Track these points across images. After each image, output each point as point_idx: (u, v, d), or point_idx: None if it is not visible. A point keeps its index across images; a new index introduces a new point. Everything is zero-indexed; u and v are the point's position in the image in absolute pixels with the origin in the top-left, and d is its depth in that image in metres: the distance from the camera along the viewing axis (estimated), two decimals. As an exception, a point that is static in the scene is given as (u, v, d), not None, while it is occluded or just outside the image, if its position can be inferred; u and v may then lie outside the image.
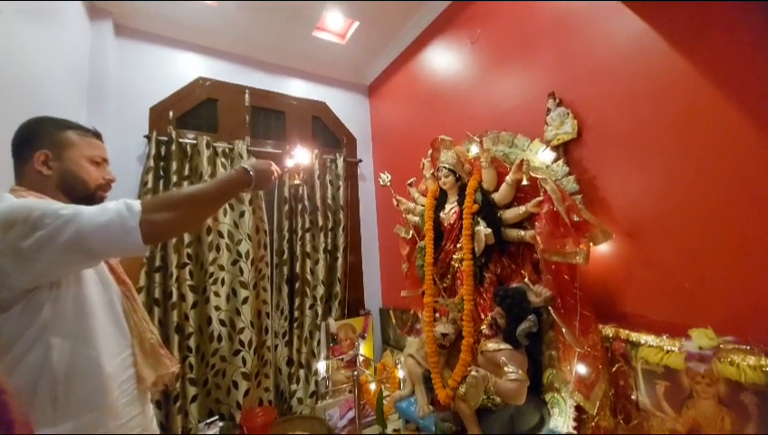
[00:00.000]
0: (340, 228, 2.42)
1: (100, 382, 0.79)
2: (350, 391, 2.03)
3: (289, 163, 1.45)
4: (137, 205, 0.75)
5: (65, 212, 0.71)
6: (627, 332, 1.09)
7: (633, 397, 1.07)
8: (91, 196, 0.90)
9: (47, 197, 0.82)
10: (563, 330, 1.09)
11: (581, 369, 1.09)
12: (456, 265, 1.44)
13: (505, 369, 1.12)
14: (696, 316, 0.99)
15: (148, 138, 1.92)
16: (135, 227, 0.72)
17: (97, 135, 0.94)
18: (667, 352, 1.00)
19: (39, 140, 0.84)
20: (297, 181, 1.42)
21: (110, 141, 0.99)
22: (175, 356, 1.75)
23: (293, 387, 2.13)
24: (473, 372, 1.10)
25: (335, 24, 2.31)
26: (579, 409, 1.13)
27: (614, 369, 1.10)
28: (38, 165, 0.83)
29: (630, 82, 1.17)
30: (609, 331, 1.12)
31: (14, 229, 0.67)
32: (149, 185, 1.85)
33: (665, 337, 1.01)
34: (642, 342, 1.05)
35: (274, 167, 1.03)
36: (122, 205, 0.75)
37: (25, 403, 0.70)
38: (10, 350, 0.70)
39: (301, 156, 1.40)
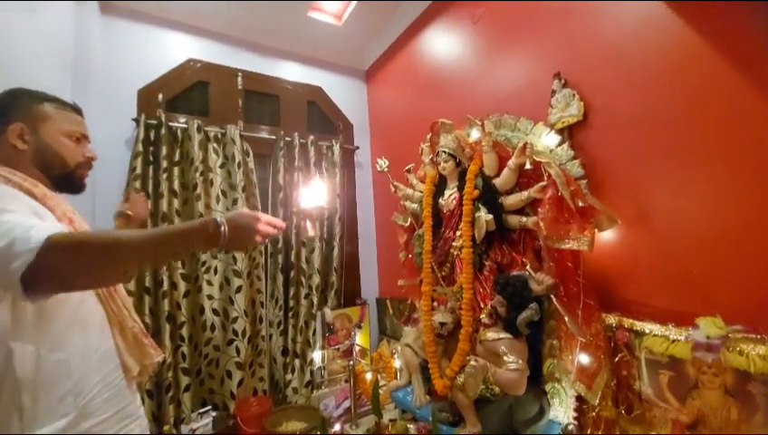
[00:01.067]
0: (337, 217, 2.37)
1: (70, 387, 0.72)
2: (346, 381, 2.01)
3: (303, 203, 1.04)
4: (38, 238, 0.56)
5: None
6: (631, 321, 1.05)
7: (636, 387, 1.04)
8: (71, 174, 0.85)
9: (23, 174, 0.76)
10: (566, 319, 1.06)
11: (583, 359, 1.06)
12: (456, 253, 1.39)
13: (505, 358, 1.08)
14: (703, 304, 0.95)
15: (137, 121, 1.85)
16: (16, 271, 0.54)
17: (77, 110, 0.88)
18: (673, 341, 0.97)
19: (13, 113, 0.78)
20: (311, 233, 1.05)
21: (96, 125, 0.94)
22: (167, 346, 1.72)
23: (288, 377, 2.10)
24: (471, 362, 1.07)
25: (331, 4, 2.22)
26: (580, 399, 1.10)
27: (617, 359, 1.07)
28: (12, 138, 0.77)
29: (640, 61, 1.11)
30: (612, 320, 1.09)
31: None
32: (138, 171, 1.79)
33: (671, 326, 0.98)
34: (647, 331, 1.02)
35: (266, 221, 0.79)
36: (24, 232, 0.57)
37: None
38: None
39: (316, 195, 1.03)
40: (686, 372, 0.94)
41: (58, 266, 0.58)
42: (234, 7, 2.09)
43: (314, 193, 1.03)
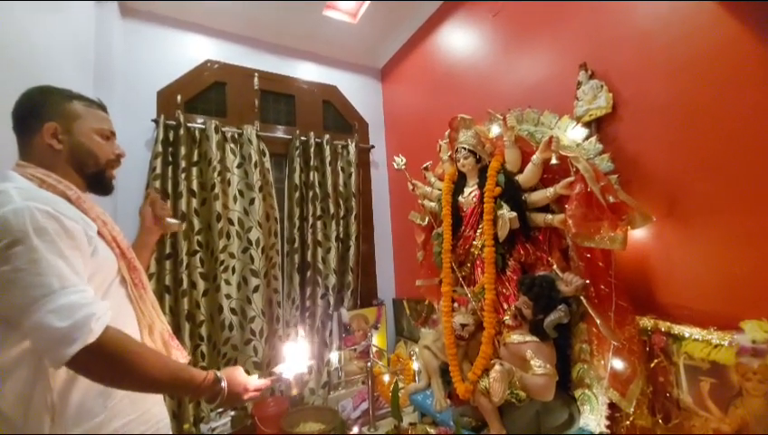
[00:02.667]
0: (352, 216, 2.35)
1: (101, 388, 0.72)
2: (363, 383, 1.98)
3: (284, 371, 1.07)
4: (96, 331, 0.64)
5: (46, 276, 0.62)
6: (668, 324, 0.99)
7: (673, 395, 0.98)
8: (102, 172, 0.85)
9: (57, 174, 0.76)
10: (597, 322, 1.00)
11: (617, 364, 1.00)
12: (476, 253, 1.35)
13: (532, 362, 1.03)
14: (748, 307, 0.89)
15: (156, 122, 1.87)
16: (66, 355, 0.61)
17: (102, 107, 0.88)
18: (716, 346, 0.90)
19: (46, 111, 0.78)
20: (294, 392, 1.08)
21: (117, 126, 0.93)
22: (187, 344, 1.73)
23: (305, 377, 2.09)
24: (497, 366, 1.03)
25: (347, 2, 2.20)
26: (612, 407, 1.04)
27: (652, 364, 1.01)
28: (48, 138, 0.76)
29: (672, 48, 1.05)
30: (647, 323, 1.03)
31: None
32: (158, 170, 1.81)
33: (713, 330, 0.91)
34: (686, 335, 0.96)
35: (254, 387, 0.88)
36: (86, 317, 0.63)
37: (19, 415, 0.65)
38: (4, 357, 0.66)
39: (298, 360, 1.06)
40: (729, 378, 0.88)
41: (96, 367, 0.66)
42: (250, 8, 2.10)
43: (296, 358, 1.08)
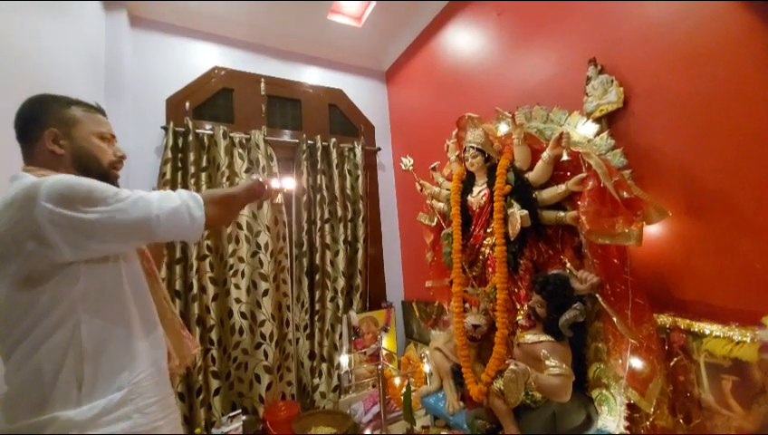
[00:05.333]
0: (360, 219, 2.35)
1: (128, 361, 0.76)
2: (374, 386, 1.97)
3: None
4: (198, 196, 0.80)
5: (130, 194, 0.73)
6: (687, 321, 0.97)
7: (694, 394, 0.95)
8: (105, 173, 0.86)
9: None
10: (614, 320, 0.98)
11: (635, 363, 0.98)
12: (487, 252, 1.33)
13: (547, 363, 1.01)
14: (770, 302, 0.86)
15: (166, 129, 1.89)
16: (201, 217, 0.78)
17: (101, 111, 0.90)
18: (738, 343, 0.88)
19: (45, 119, 0.80)
20: (278, 200, 1.30)
21: (127, 133, 0.97)
22: (198, 348, 1.73)
23: (316, 381, 2.09)
24: (511, 366, 1.01)
25: (350, 6, 2.22)
26: (631, 407, 1.02)
27: (672, 363, 0.98)
28: (49, 144, 0.79)
29: (683, 40, 1.03)
30: (665, 320, 1.00)
31: (75, 203, 0.67)
32: (168, 176, 1.83)
33: (734, 326, 0.89)
34: (706, 332, 0.93)
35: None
36: (185, 194, 0.79)
37: (47, 383, 0.67)
38: (37, 325, 0.68)
39: (285, 181, 1.34)
40: (751, 375, 0.85)
41: (213, 214, 0.82)
42: (255, 14, 2.13)
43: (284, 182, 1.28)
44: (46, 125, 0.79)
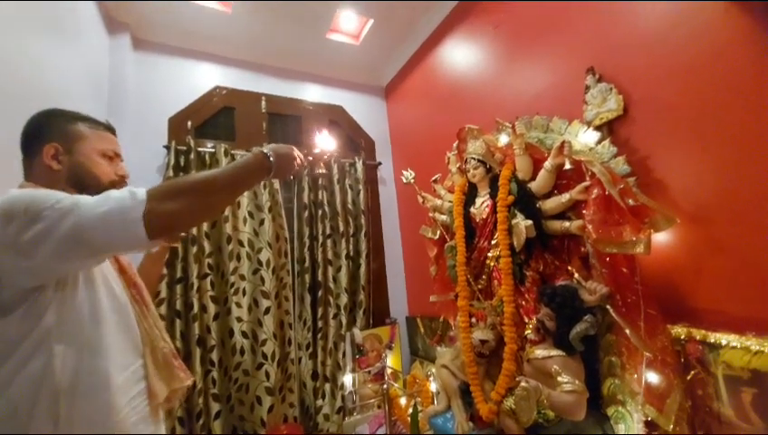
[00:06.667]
0: (362, 234, 2.33)
1: (107, 398, 0.70)
2: (379, 406, 1.90)
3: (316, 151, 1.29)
4: (141, 193, 0.66)
5: (65, 202, 0.64)
6: (702, 332, 0.93)
7: (714, 408, 0.91)
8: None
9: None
10: (627, 332, 0.94)
11: (651, 377, 0.94)
12: (492, 264, 1.31)
13: (559, 379, 0.97)
14: (789, 310, 0.83)
15: (168, 148, 1.91)
16: (138, 219, 0.63)
17: (109, 128, 0.89)
18: (756, 353, 0.84)
19: (48, 133, 0.79)
20: (322, 169, 1.27)
21: (129, 153, 0.95)
22: (197, 371, 1.69)
23: (319, 402, 2.02)
24: (522, 383, 0.97)
25: (349, 25, 2.26)
26: (649, 424, 0.96)
27: (689, 376, 0.94)
28: (47, 159, 0.77)
29: (681, 46, 1.03)
30: (679, 331, 0.97)
31: (14, 223, 0.61)
32: (169, 195, 1.82)
33: (751, 336, 0.85)
34: (723, 343, 0.89)
35: (297, 153, 0.91)
36: (126, 193, 0.66)
37: (22, 418, 0.62)
38: (10, 357, 0.63)
39: (325, 142, 1.25)
40: (772, 387, 0.81)
41: (168, 210, 0.67)
42: (255, 34, 2.17)
43: (322, 142, 1.22)
44: (47, 139, 0.78)
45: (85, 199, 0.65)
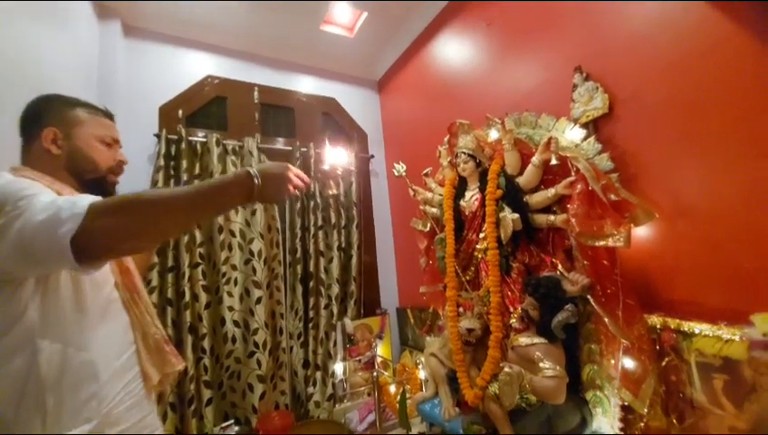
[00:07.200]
0: (354, 225, 2.35)
1: (95, 390, 0.70)
2: (369, 394, 1.95)
3: (327, 161, 1.10)
4: (83, 204, 0.58)
5: (24, 201, 0.58)
6: (677, 321, 0.98)
7: (687, 394, 0.96)
8: (102, 178, 0.85)
9: (52, 177, 0.75)
10: (606, 320, 0.99)
11: (628, 363, 0.99)
12: (480, 256, 1.34)
13: (541, 365, 1.02)
14: (757, 300, 0.88)
15: (158, 136, 1.89)
16: (65, 235, 0.55)
17: (108, 115, 0.90)
18: (726, 341, 0.89)
19: (47, 117, 0.79)
20: (333, 191, 1.09)
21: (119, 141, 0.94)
22: (189, 357, 1.70)
23: (310, 390, 2.06)
24: (506, 369, 1.01)
25: (343, 17, 2.25)
26: (625, 408, 1.02)
27: (664, 363, 0.99)
28: (46, 143, 0.77)
29: (665, 47, 1.07)
30: (655, 321, 1.02)
31: None
32: (160, 184, 1.82)
33: (722, 325, 0.90)
34: (696, 331, 0.94)
35: (295, 173, 0.80)
36: (68, 201, 0.58)
37: (9, 413, 0.62)
38: None
39: (335, 156, 1.06)
40: (741, 374, 0.86)
41: (106, 228, 0.59)
42: (249, 24, 2.15)
43: (336, 153, 1.03)
44: (47, 123, 0.78)
45: (37, 200, 0.59)
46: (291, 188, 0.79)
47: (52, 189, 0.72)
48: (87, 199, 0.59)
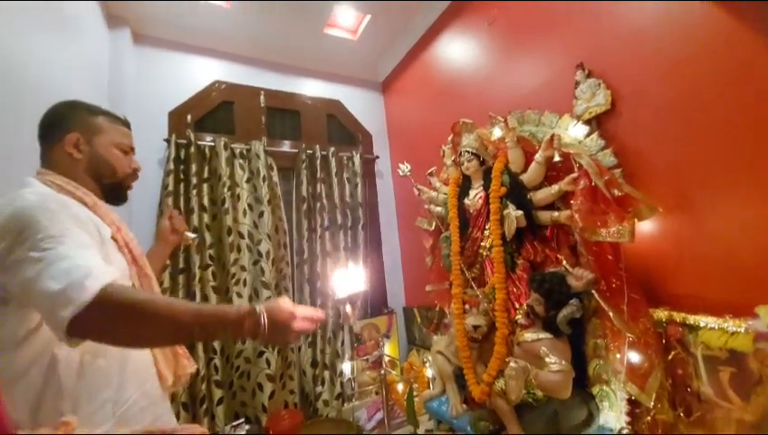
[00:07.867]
0: (360, 226, 2.37)
1: (110, 394, 0.73)
2: (377, 393, 1.96)
3: (339, 292, 1.07)
4: (94, 288, 0.59)
5: (46, 250, 0.61)
6: (683, 315, 0.98)
7: (693, 387, 0.96)
8: (119, 183, 0.89)
9: (76, 182, 0.79)
10: (611, 315, 0.99)
11: (634, 357, 0.99)
12: (485, 254, 1.36)
13: (547, 360, 1.03)
14: (763, 292, 0.88)
15: (168, 141, 1.93)
16: (63, 319, 0.57)
17: (126, 124, 0.93)
18: (732, 334, 0.89)
19: (71, 123, 0.82)
20: (353, 320, 0.98)
21: None
22: (200, 357, 1.74)
23: (318, 389, 2.08)
24: (512, 364, 1.02)
25: (346, 20, 2.29)
26: (632, 402, 1.02)
27: (670, 357, 1.00)
28: (69, 147, 0.81)
29: (667, 44, 1.08)
30: (661, 315, 1.02)
31: (5, 240, 0.62)
32: (170, 187, 1.86)
33: (728, 318, 0.91)
34: (702, 325, 0.95)
35: (302, 318, 0.74)
36: (82, 276, 0.59)
37: (25, 423, 0.64)
38: (12, 362, 0.64)
39: (354, 280, 1.05)
40: (748, 366, 0.86)
41: (103, 326, 0.61)
42: (254, 30, 2.19)
43: (352, 279, 1.05)
44: (70, 128, 0.81)
45: (57, 257, 0.61)
46: (293, 337, 0.74)
47: (75, 196, 0.76)
48: (100, 283, 0.60)
